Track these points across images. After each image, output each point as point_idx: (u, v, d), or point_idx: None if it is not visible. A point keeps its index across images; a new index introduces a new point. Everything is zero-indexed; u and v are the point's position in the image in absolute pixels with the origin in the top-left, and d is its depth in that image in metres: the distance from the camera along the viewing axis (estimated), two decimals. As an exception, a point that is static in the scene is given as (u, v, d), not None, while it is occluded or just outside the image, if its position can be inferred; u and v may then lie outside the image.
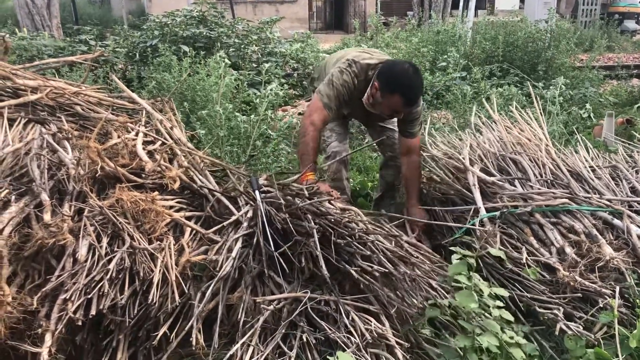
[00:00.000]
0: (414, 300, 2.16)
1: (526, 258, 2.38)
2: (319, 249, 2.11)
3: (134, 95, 3.20)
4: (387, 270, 2.17)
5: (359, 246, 2.22)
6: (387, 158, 3.43)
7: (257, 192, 2.44)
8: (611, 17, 15.75)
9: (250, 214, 2.41)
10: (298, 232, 2.22)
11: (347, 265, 2.17)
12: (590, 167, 3.14)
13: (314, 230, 2.17)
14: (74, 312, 1.86)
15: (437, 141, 3.68)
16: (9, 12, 16.37)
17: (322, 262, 2.07)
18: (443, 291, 2.24)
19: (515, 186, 2.88)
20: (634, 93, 7.11)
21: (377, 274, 2.15)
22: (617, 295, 2.15)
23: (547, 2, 13.78)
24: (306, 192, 2.38)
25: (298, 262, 2.18)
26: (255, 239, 2.27)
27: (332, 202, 2.40)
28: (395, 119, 3.31)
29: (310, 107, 2.97)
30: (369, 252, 2.21)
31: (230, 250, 2.24)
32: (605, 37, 13.15)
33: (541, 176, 2.95)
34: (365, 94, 2.89)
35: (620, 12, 17.43)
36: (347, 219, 2.30)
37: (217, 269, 2.17)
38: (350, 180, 3.70)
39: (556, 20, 8.35)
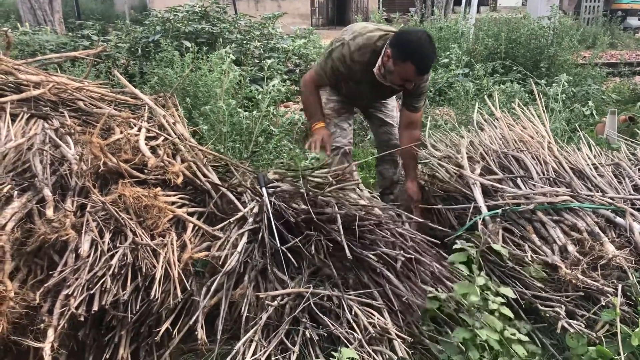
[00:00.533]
0: (426, 289, 2.18)
1: (531, 257, 2.37)
2: (342, 232, 2.18)
3: (137, 91, 3.19)
4: (412, 257, 2.26)
5: (383, 233, 2.31)
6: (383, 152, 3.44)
7: (264, 189, 2.45)
8: (614, 14, 15.71)
9: (256, 210, 2.42)
10: (319, 219, 2.26)
11: (364, 251, 2.23)
12: (592, 164, 3.13)
13: (338, 215, 2.23)
14: (76, 308, 1.86)
15: (437, 140, 3.67)
16: (12, 7, 16.37)
17: (345, 246, 2.13)
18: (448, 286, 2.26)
19: (517, 184, 2.88)
20: (637, 90, 7.10)
21: (402, 257, 2.22)
22: (619, 293, 2.14)
23: (550, -1, 13.73)
24: (332, 179, 2.48)
25: (308, 252, 2.20)
26: (260, 235, 2.29)
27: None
28: (393, 111, 3.32)
29: (309, 72, 3.19)
30: (393, 239, 2.31)
31: (235, 245, 2.26)
32: (608, 34, 13.11)
33: (543, 174, 2.94)
34: (377, 64, 2.84)
35: (623, 9, 17.41)
36: (371, 206, 2.41)
37: (221, 264, 2.19)
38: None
39: (559, 17, 8.32)
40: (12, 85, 2.90)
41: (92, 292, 1.91)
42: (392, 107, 3.37)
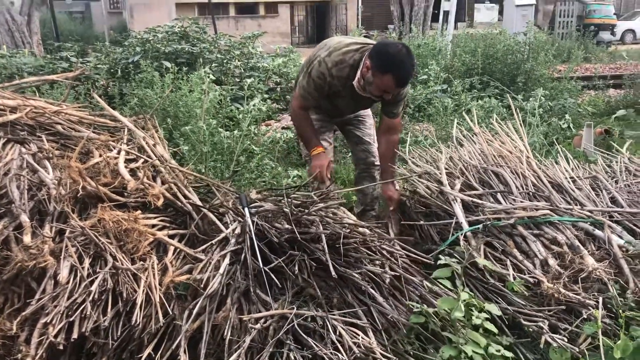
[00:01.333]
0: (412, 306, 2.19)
1: (513, 275, 2.39)
2: (327, 251, 2.19)
3: (116, 113, 3.18)
4: (398, 274, 2.28)
5: (368, 251, 2.34)
6: (361, 170, 3.46)
7: (246, 209, 2.44)
8: (587, 28, 16.09)
9: (238, 230, 2.41)
10: (303, 239, 2.27)
11: (348, 269, 2.23)
12: (570, 177, 3.18)
13: (323, 235, 2.24)
14: (55, 336, 1.82)
15: (417, 156, 3.70)
16: (-12, 29, 16.24)
17: (330, 265, 2.13)
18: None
19: (497, 199, 2.90)
20: (611, 103, 7.26)
21: (386, 276, 2.23)
22: (600, 306, 2.16)
23: (525, 15, 14.05)
24: (315, 198, 2.51)
25: (291, 272, 2.19)
26: (243, 256, 2.27)
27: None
28: (371, 129, 3.35)
29: (293, 97, 3.14)
30: (378, 256, 2.34)
31: (217, 267, 2.23)
32: (582, 48, 13.41)
33: (523, 188, 2.97)
34: (356, 76, 2.85)
35: (596, 24, 17.87)
36: (356, 224, 2.44)
37: (203, 286, 2.16)
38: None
39: (534, 33, 8.49)
40: (-12, 110, 2.87)
41: (71, 319, 1.88)
42: (370, 125, 3.39)
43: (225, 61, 6.97)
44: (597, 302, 2.19)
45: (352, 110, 3.28)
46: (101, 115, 3.27)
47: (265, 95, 6.05)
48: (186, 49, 6.80)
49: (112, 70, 6.64)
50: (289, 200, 2.49)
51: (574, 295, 2.23)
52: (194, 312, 2.10)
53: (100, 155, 2.65)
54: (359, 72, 2.83)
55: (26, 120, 2.85)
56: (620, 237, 2.59)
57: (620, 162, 3.58)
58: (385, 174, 3.20)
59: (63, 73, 5.33)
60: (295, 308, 2.11)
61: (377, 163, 3.28)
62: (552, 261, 2.44)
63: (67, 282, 1.98)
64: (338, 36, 3.17)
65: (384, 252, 2.42)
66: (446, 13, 12.15)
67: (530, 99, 5.63)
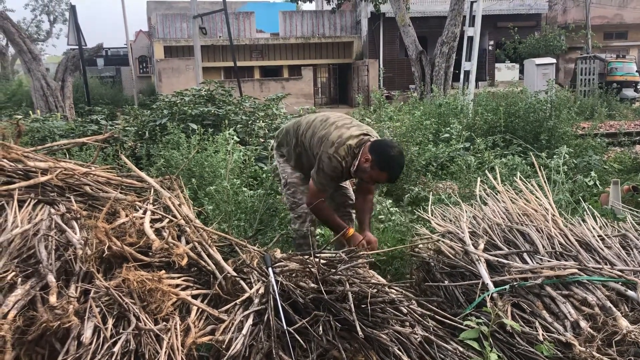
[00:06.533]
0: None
1: (542, 334, 2.30)
2: (353, 310, 2.16)
3: (142, 174, 3.25)
4: (430, 338, 2.25)
5: (395, 311, 2.31)
6: (342, 213, 3.65)
7: (270, 269, 2.44)
8: (609, 85, 16.12)
9: (262, 291, 2.40)
10: (329, 298, 2.25)
11: (374, 330, 2.19)
12: (599, 236, 3.11)
13: (349, 293, 2.22)
14: (77, 399, 1.81)
15: (438, 215, 3.68)
16: (25, 95, 17.04)
17: (357, 325, 2.11)
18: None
19: (524, 258, 2.85)
20: (638, 160, 7.15)
21: (417, 337, 2.20)
22: (637, 371, 2.07)
23: (546, 73, 14.19)
24: (344, 256, 2.54)
25: (315, 333, 2.15)
26: (266, 316, 2.25)
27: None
28: None
29: (309, 194, 3.38)
30: (408, 318, 2.32)
31: (240, 328, 2.21)
32: (605, 105, 13.39)
33: (550, 247, 2.91)
34: (354, 163, 3.21)
35: (618, 81, 17.90)
36: (382, 284, 2.43)
37: (226, 348, 2.14)
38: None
39: (556, 91, 8.52)
40: (21, 172, 2.96)
41: (93, 381, 1.86)
42: None
43: (250, 122, 7.13)
44: (634, 367, 2.10)
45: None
46: (128, 176, 3.35)
47: (289, 155, 6.12)
48: (212, 111, 6.99)
49: (140, 132, 6.84)
50: (317, 258, 2.48)
51: (609, 360, 2.13)
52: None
53: (127, 216, 2.69)
54: (357, 161, 3.21)
55: (56, 182, 2.93)
56: (655, 298, 2.50)
57: (650, 220, 3.49)
58: (363, 225, 3.49)
59: (92, 136, 5.51)
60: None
61: (352, 202, 3.66)
62: (583, 323, 2.35)
63: (91, 343, 1.98)
64: (329, 126, 3.35)
65: (416, 313, 2.37)
66: (467, 73, 12.34)
67: (554, 156, 5.59)
